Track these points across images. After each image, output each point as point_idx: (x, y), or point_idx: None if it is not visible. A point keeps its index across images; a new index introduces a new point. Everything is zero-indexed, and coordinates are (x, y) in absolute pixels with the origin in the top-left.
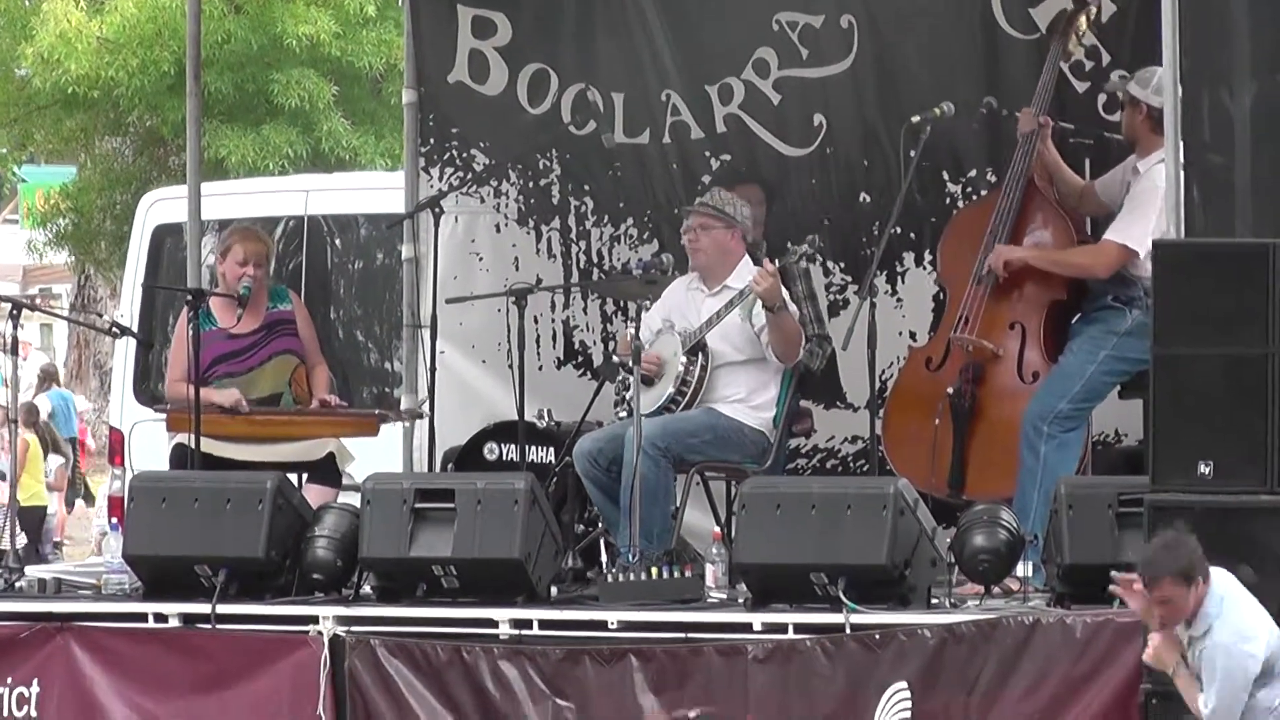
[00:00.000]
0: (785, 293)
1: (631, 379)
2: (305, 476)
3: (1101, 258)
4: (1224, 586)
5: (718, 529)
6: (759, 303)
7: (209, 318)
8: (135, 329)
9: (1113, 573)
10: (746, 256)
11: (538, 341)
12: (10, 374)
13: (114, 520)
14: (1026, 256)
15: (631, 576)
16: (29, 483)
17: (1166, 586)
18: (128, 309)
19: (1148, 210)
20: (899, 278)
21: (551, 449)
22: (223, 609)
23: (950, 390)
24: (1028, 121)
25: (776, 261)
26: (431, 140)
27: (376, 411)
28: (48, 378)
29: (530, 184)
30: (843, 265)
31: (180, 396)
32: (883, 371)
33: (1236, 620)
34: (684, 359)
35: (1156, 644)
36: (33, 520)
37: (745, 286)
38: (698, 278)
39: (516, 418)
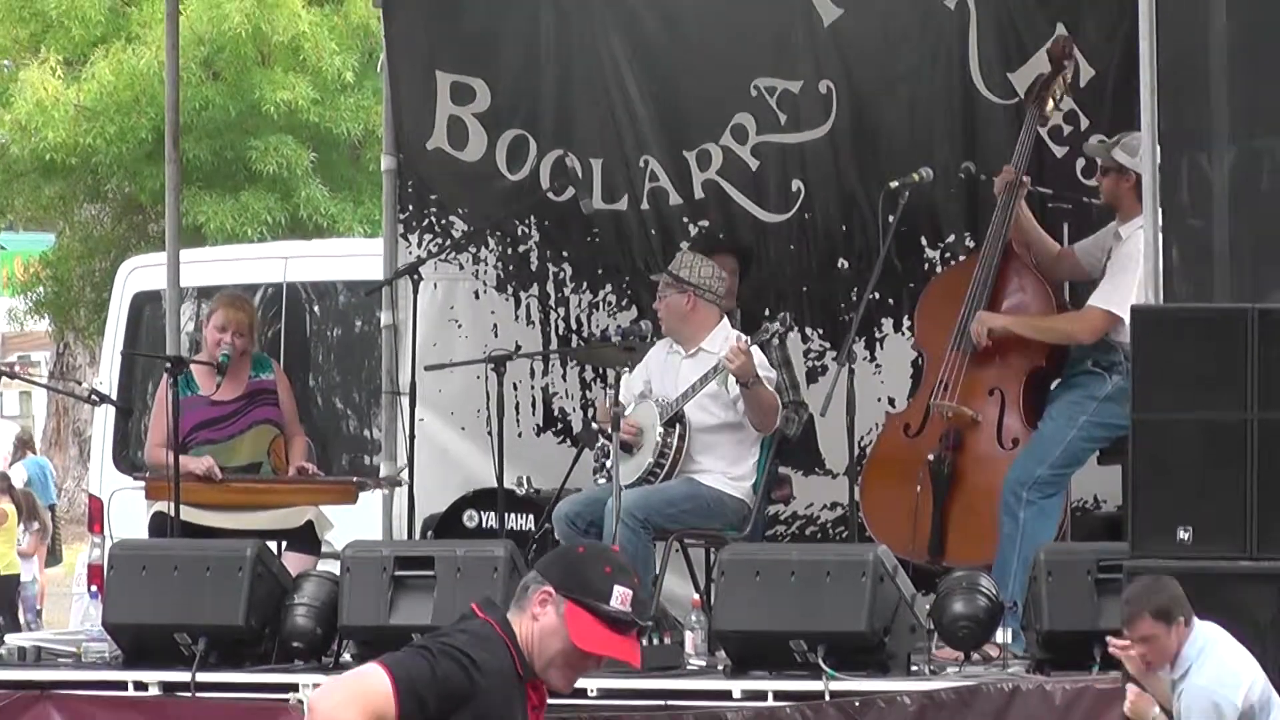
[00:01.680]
0: (762, 359)
1: (611, 445)
2: (284, 544)
3: (1085, 323)
4: (1210, 633)
5: (697, 596)
6: None
7: (191, 384)
8: (114, 396)
9: (1107, 638)
10: (724, 321)
11: (517, 408)
12: None
13: (93, 588)
14: (1008, 324)
15: None
16: (3, 551)
17: (1145, 624)
18: (107, 376)
19: (1131, 275)
20: (878, 343)
21: (531, 516)
22: (203, 677)
23: (930, 456)
24: (1006, 176)
25: (749, 339)
26: (410, 206)
27: (355, 479)
28: (23, 445)
29: (509, 250)
30: (821, 331)
31: (160, 462)
32: (861, 438)
33: (1217, 664)
34: (661, 429)
35: (1134, 696)
36: (7, 589)
37: (719, 361)
38: (674, 341)
39: (496, 485)
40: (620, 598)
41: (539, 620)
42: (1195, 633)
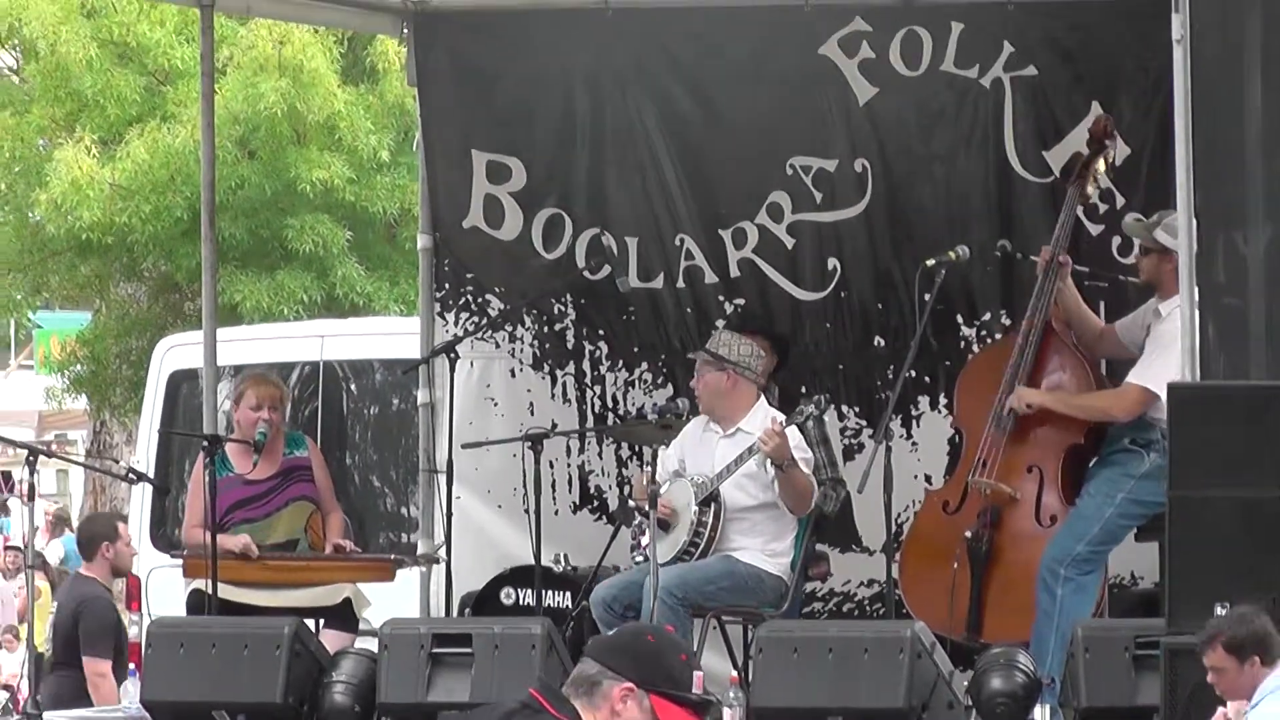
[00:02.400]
0: (799, 440)
1: (647, 523)
2: (322, 622)
3: (1123, 401)
4: None
5: (735, 673)
6: None
7: (225, 464)
8: (152, 475)
9: None
10: (762, 400)
11: (553, 486)
12: (27, 520)
13: (132, 666)
14: (1047, 400)
15: None
16: (40, 629)
17: (1216, 654)
18: (144, 455)
19: (1170, 353)
20: (914, 421)
21: (568, 593)
22: None
23: (968, 533)
24: (1045, 257)
25: (784, 420)
26: (446, 285)
27: (392, 556)
28: (60, 523)
29: (545, 328)
30: (857, 409)
31: (197, 542)
32: (899, 515)
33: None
34: (696, 508)
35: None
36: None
37: (754, 443)
38: (711, 419)
39: (533, 562)
40: (697, 682)
41: (621, 715)
42: (1277, 673)
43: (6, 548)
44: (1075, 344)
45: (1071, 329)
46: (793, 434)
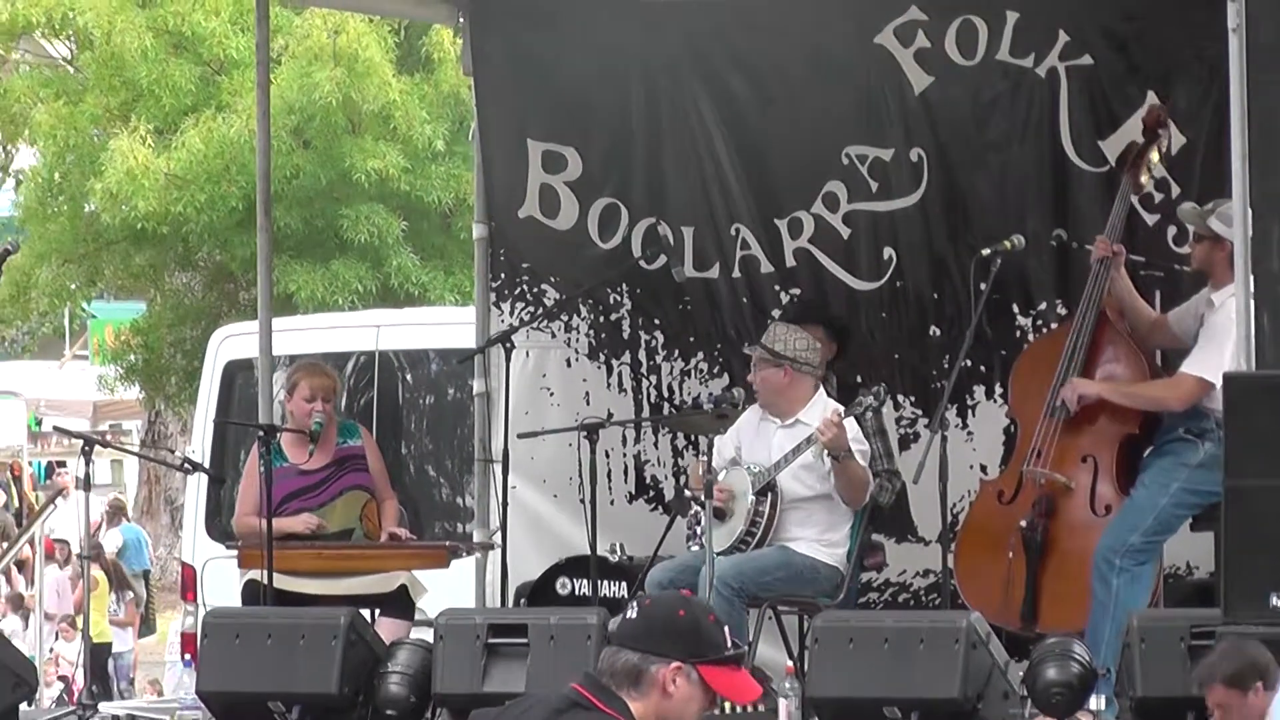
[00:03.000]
0: (856, 431)
1: (704, 513)
2: (378, 610)
3: (1177, 390)
4: None
5: (791, 663)
6: None
7: (279, 454)
8: (207, 465)
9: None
10: (820, 391)
11: (609, 476)
12: (82, 510)
13: (187, 656)
14: (1101, 390)
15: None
16: (95, 619)
17: (1218, 692)
18: (199, 445)
19: (1224, 342)
20: (970, 410)
21: (624, 583)
22: None
23: (1023, 523)
24: (1102, 249)
25: (842, 413)
26: (502, 275)
27: (447, 543)
28: (117, 512)
29: (601, 318)
30: (913, 399)
31: (250, 530)
32: (954, 505)
33: None
34: (753, 498)
35: None
36: (99, 658)
37: (812, 433)
38: (769, 413)
39: (589, 552)
40: (728, 637)
41: (674, 695)
42: None
43: (54, 539)
44: (1129, 334)
45: (1125, 319)
46: (850, 426)
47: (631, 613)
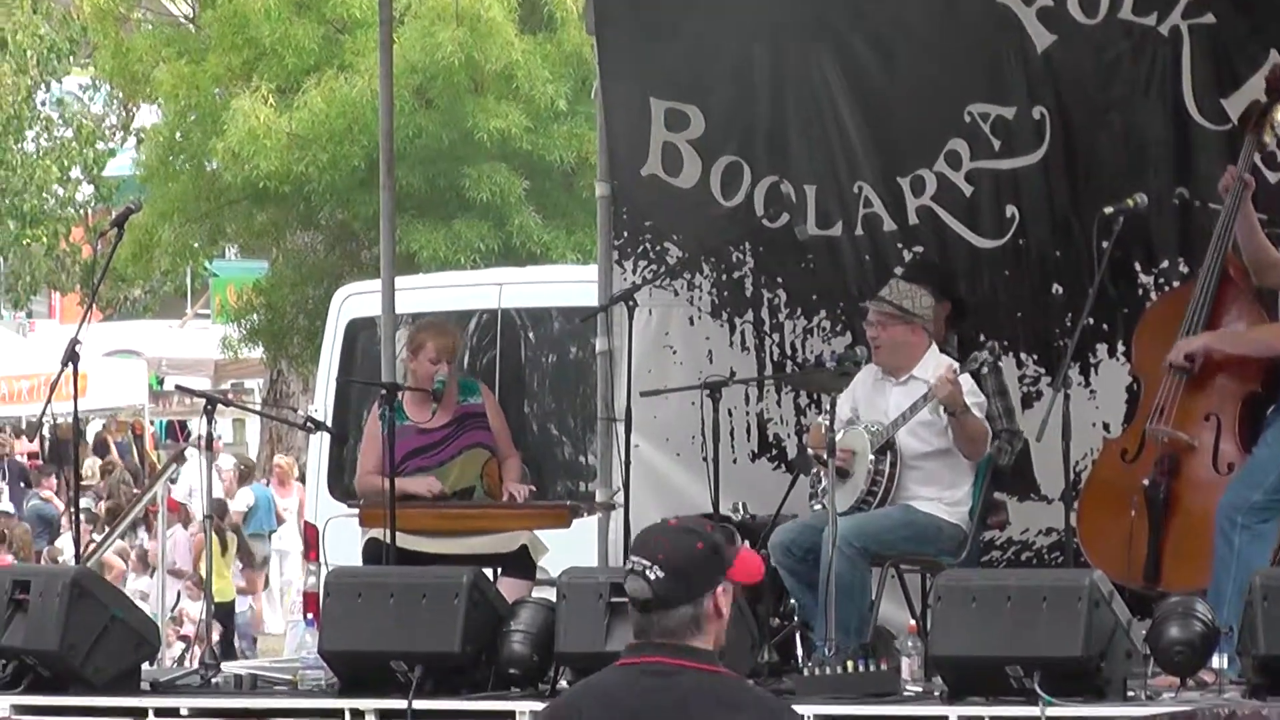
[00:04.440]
0: (972, 386)
1: (825, 471)
2: (499, 570)
3: None
4: None
5: (913, 622)
6: None
7: (401, 413)
8: (329, 424)
9: None
10: (934, 347)
11: (732, 434)
12: (205, 469)
13: (309, 616)
14: (1206, 341)
15: (827, 670)
16: (218, 580)
17: None
18: (322, 403)
19: None
20: (1092, 369)
21: (747, 542)
22: (419, 705)
23: (1145, 482)
24: (1231, 177)
25: (957, 368)
26: (625, 233)
27: (568, 503)
28: (248, 472)
29: (723, 276)
30: (1035, 357)
31: (372, 489)
32: (1077, 463)
33: None
34: (873, 457)
35: None
36: (220, 616)
37: (929, 390)
38: (884, 368)
39: (711, 510)
40: (725, 530)
41: (724, 611)
42: None
43: (170, 500)
44: (1253, 291)
45: (1246, 258)
46: (965, 380)
47: (653, 574)
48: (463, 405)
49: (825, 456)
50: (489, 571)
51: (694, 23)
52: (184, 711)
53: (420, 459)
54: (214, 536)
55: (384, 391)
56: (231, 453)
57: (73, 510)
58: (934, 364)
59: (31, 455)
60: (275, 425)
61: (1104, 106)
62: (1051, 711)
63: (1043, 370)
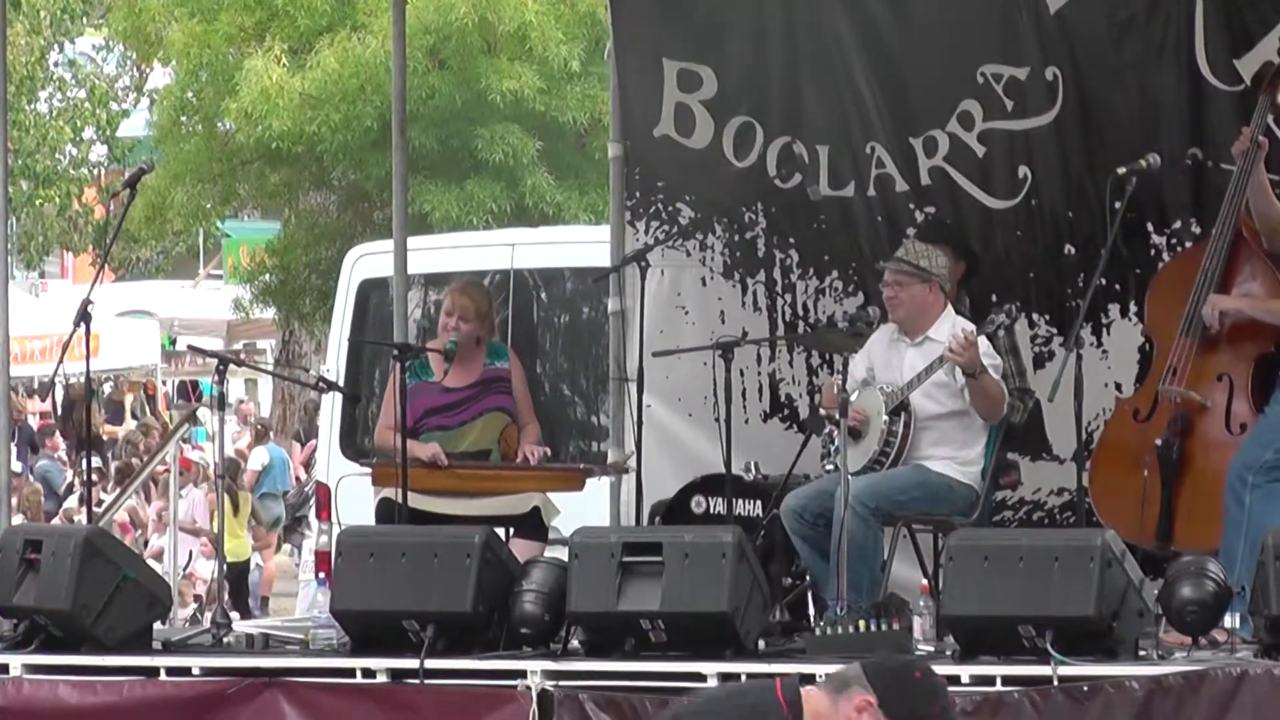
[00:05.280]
0: (988, 348)
1: (838, 432)
2: (511, 531)
3: None
4: None
5: (925, 581)
6: None
7: (425, 370)
8: (341, 384)
9: None
10: (949, 307)
11: (744, 394)
12: (217, 429)
13: (321, 575)
14: (1241, 305)
15: (839, 630)
16: (229, 538)
17: None
18: (334, 364)
19: None
20: (1104, 329)
21: (759, 502)
22: (431, 664)
23: (1158, 442)
24: (1245, 140)
25: (974, 331)
26: (637, 194)
27: (582, 466)
28: (264, 432)
29: (736, 237)
30: (1048, 317)
31: (388, 444)
32: (1089, 423)
33: None
34: (887, 417)
35: None
36: (233, 575)
37: (943, 352)
38: (900, 328)
39: (723, 471)
40: None
41: None
42: None
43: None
44: (1266, 251)
45: (1257, 221)
46: (982, 342)
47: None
48: (489, 368)
49: (838, 416)
50: (501, 533)
51: None
52: (196, 671)
53: (440, 417)
54: (226, 497)
55: (395, 352)
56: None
57: (84, 470)
58: (950, 325)
59: (44, 415)
60: (287, 385)
61: (1117, 67)
62: (1063, 671)
63: (1055, 330)
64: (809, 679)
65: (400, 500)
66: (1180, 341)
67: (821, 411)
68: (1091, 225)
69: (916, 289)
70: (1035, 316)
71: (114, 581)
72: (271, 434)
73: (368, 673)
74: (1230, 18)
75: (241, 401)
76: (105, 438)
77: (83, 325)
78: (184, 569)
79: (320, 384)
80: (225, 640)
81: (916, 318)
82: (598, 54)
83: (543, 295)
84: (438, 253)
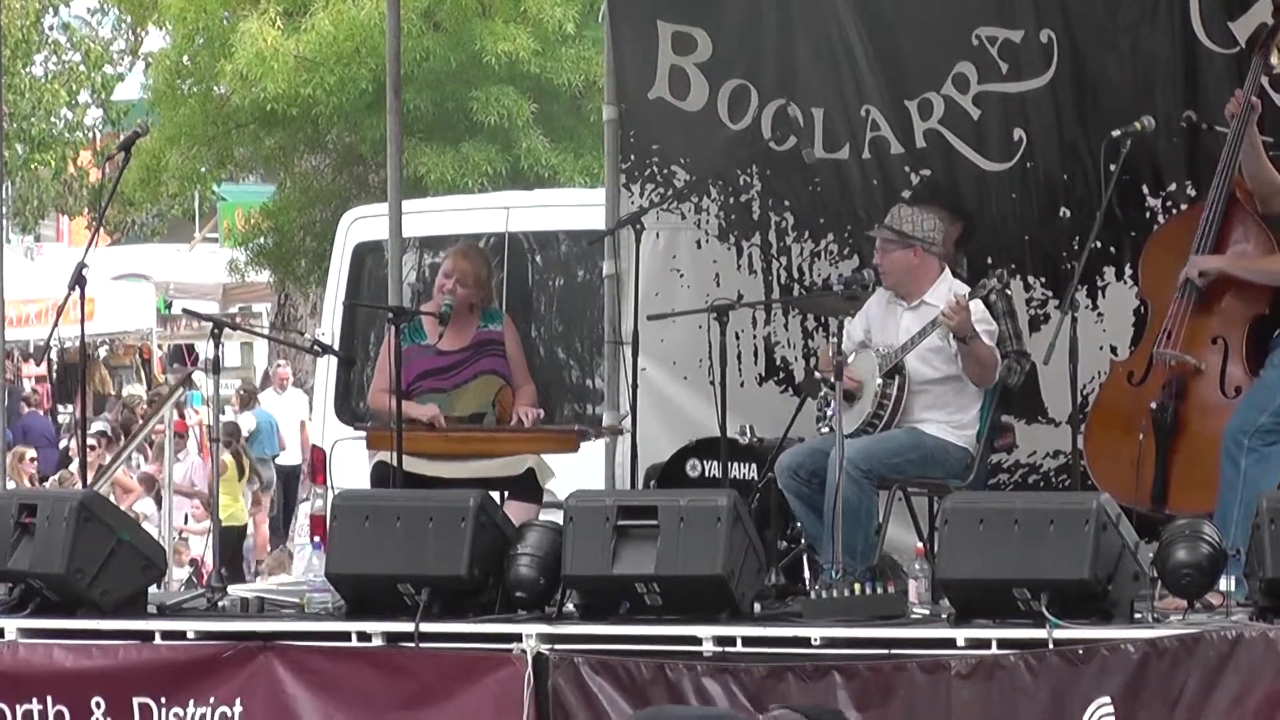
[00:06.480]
0: (983, 312)
1: (833, 395)
2: (506, 493)
3: None
4: None
5: (920, 544)
6: None
7: (419, 332)
8: (337, 347)
9: None
10: (946, 272)
11: (739, 358)
12: (212, 393)
13: (316, 539)
14: (1223, 264)
15: (834, 593)
16: (227, 502)
17: None
18: (329, 327)
19: None
20: (1100, 292)
21: (754, 465)
22: (426, 628)
23: (1153, 405)
24: (1238, 103)
25: (966, 296)
26: (632, 157)
27: (576, 428)
28: (250, 396)
29: (731, 200)
30: (1043, 280)
31: (382, 407)
32: (1084, 386)
33: None
34: (881, 380)
35: None
36: (231, 540)
37: (937, 317)
38: (895, 292)
39: (719, 434)
40: None
41: None
42: None
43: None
44: (1260, 213)
45: (1250, 184)
46: (976, 307)
47: None
48: (483, 331)
49: (833, 379)
50: (495, 495)
51: None
52: (190, 635)
53: (433, 380)
54: (229, 460)
55: (390, 315)
56: (239, 376)
57: (79, 434)
58: (945, 288)
59: (39, 379)
60: (282, 348)
61: (1112, 29)
62: (1058, 634)
63: (1050, 293)
64: None
65: (395, 464)
66: (1175, 304)
67: (817, 375)
68: (1086, 188)
69: (898, 254)
70: (1030, 279)
71: (109, 545)
72: (258, 398)
73: (363, 636)
74: None
75: (279, 366)
76: (111, 395)
77: (78, 289)
78: (178, 534)
79: (315, 347)
80: (220, 604)
81: (906, 282)
82: (593, 16)
83: (538, 258)
84: (433, 215)
